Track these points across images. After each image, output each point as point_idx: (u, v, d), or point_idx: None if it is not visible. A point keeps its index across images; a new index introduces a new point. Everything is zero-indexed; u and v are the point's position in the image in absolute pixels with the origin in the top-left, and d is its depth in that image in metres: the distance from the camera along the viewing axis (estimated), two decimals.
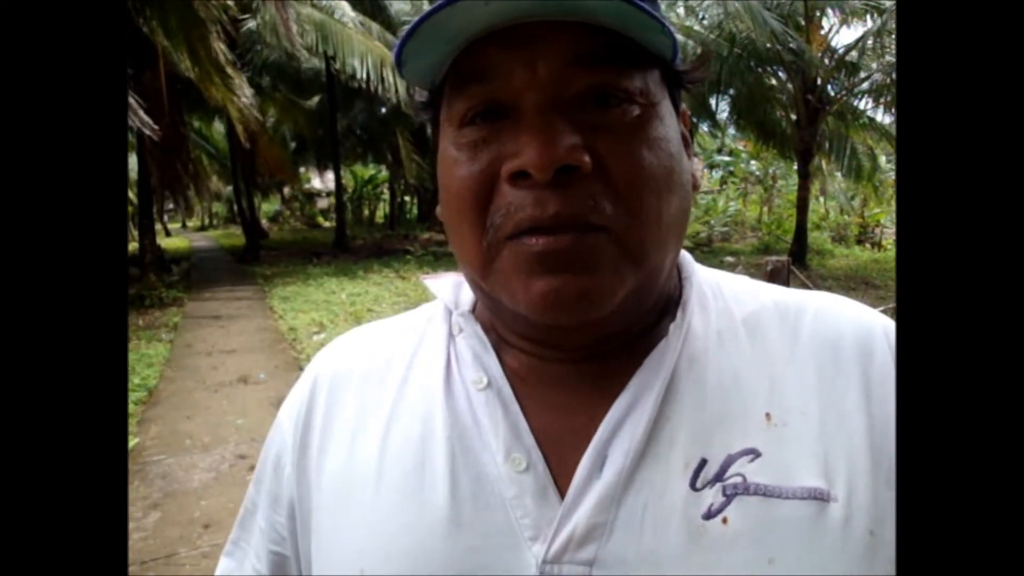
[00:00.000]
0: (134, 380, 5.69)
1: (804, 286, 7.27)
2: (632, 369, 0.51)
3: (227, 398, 5.33)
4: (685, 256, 0.59)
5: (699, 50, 11.06)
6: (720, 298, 0.56)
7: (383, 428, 0.55)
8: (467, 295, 0.60)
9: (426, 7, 0.49)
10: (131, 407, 5.04)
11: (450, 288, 0.62)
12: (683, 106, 0.55)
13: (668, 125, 0.49)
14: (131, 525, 3.31)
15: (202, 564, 2.97)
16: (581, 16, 0.44)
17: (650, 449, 0.48)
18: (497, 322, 0.56)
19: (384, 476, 0.53)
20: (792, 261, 7.57)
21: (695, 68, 0.53)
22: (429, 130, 0.55)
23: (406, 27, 0.45)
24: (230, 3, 8.72)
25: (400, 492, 0.52)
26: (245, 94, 9.31)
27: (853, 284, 10.18)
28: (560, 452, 0.50)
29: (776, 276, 5.74)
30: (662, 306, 0.55)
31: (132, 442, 4.34)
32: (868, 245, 15.39)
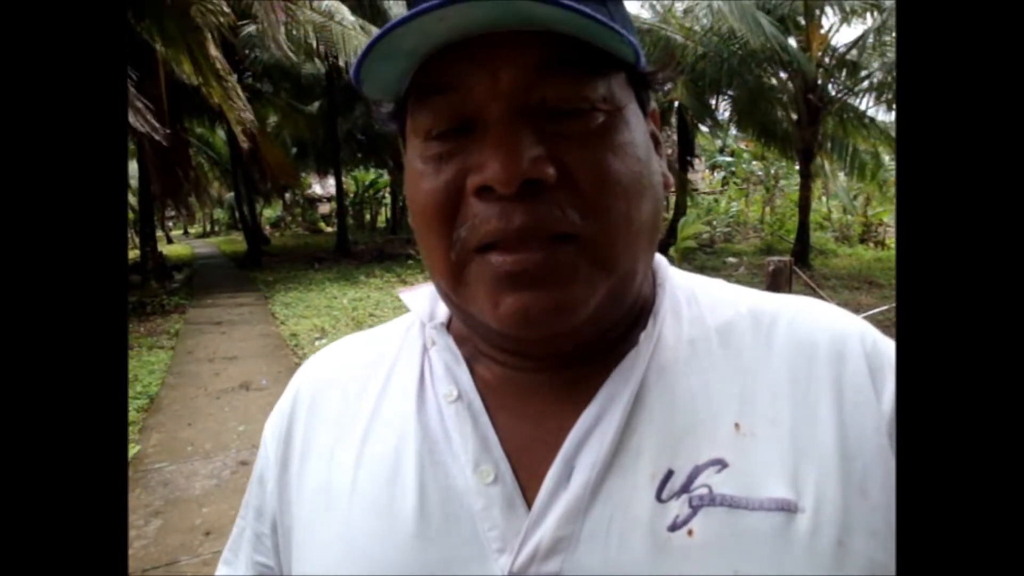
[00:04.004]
0: (136, 387, 5.70)
1: (807, 286, 7.26)
2: (602, 379, 0.51)
3: (229, 405, 5.33)
4: (660, 261, 0.59)
5: (698, 50, 11.10)
6: (695, 306, 0.56)
7: (359, 442, 0.56)
8: (443, 307, 0.60)
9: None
10: (132, 414, 5.05)
11: (426, 300, 0.62)
12: (652, 105, 0.55)
13: (634, 129, 0.49)
14: (132, 533, 3.31)
15: (203, 571, 2.97)
16: (538, 26, 0.43)
17: (617, 460, 0.48)
18: (471, 333, 0.55)
19: (357, 490, 0.53)
20: (795, 261, 7.56)
21: (660, 69, 0.52)
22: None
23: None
24: (226, 9, 8.73)
25: (372, 506, 0.52)
26: (239, 95, 9.34)
27: (856, 283, 10.18)
28: (530, 463, 0.50)
29: (778, 276, 5.72)
30: (635, 314, 0.54)
31: (134, 449, 4.34)
32: (871, 244, 15.42)
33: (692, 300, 0.56)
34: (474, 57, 0.44)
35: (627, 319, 0.53)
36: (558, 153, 0.44)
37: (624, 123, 0.48)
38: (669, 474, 0.47)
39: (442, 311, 0.60)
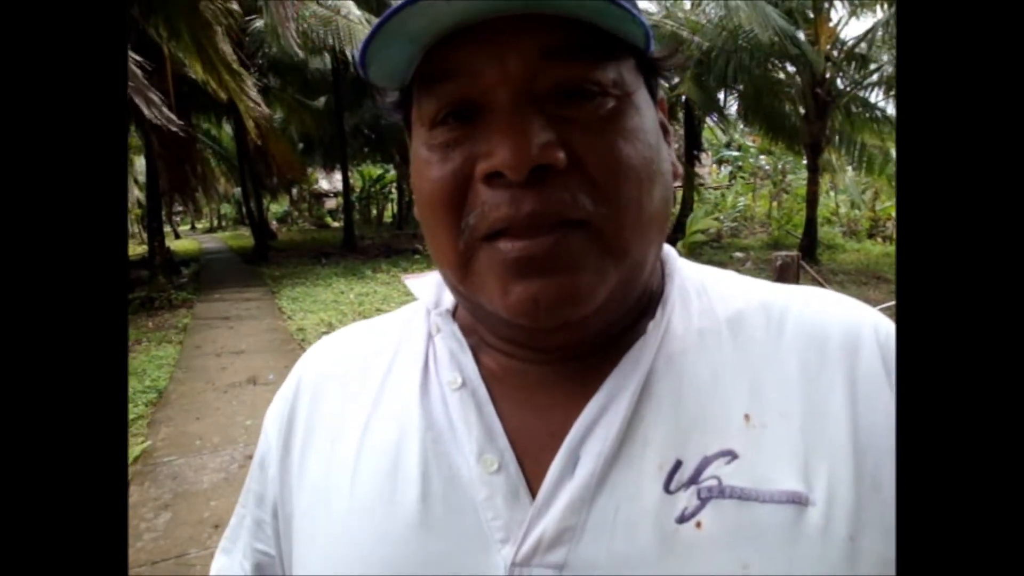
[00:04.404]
0: (144, 382, 5.74)
1: (815, 281, 7.23)
2: (610, 369, 0.50)
3: (236, 399, 5.35)
4: (669, 252, 0.58)
5: (704, 45, 11.03)
6: (704, 296, 0.55)
7: (361, 430, 0.55)
8: (449, 294, 0.60)
9: None
10: (141, 409, 5.08)
11: (432, 287, 0.61)
12: (661, 93, 0.54)
13: (644, 115, 0.48)
14: (142, 525, 3.33)
15: (212, 564, 2.98)
16: (549, 9, 0.42)
17: (624, 450, 0.47)
18: (478, 323, 0.55)
19: (359, 479, 0.53)
20: (802, 256, 7.52)
21: (669, 55, 0.51)
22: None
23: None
24: (234, 6, 8.73)
25: (374, 495, 0.51)
26: (251, 89, 9.35)
27: (864, 278, 10.12)
28: (535, 454, 0.49)
29: (786, 271, 5.69)
30: (644, 304, 0.53)
31: (143, 444, 4.37)
32: (879, 239, 15.31)
33: (702, 291, 0.55)
34: (481, 42, 0.44)
35: (636, 309, 0.53)
36: (568, 138, 0.44)
37: (634, 108, 0.47)
38: (677, 465, 0.46)
39: (448, 298, 0.59)
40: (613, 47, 0.46)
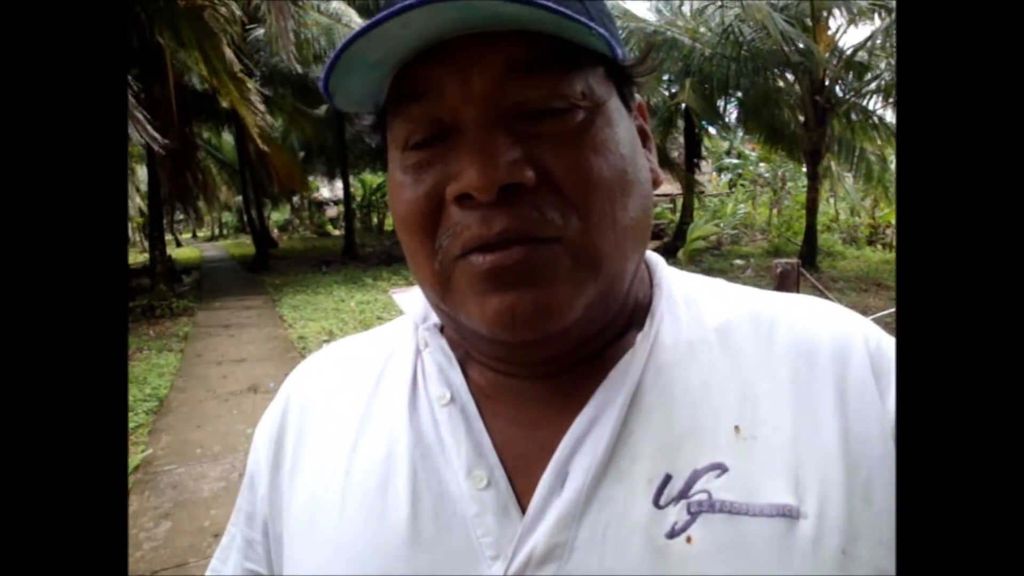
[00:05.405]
0: (145, 390, 5.73)
1: (815, 288, 7.22)
2: (598, 382, 0.49)
3: (237, 407, 5.35)
4: (657, 262, 0.57)
5: (706, 52, 11.06)
6: (693, 306, 0.55)
7: (350, 447, 0.55)
8: None
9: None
10: (142, 417, 5.08)
11: (419, 302, 0.60)
12: (638, 98, 0.54)
13: (617, 125, 0.47)
14: (142, 535, 3.32)
15: None
16: (507, 26, 0.42)
17: (613, 465, 0.47)
18: (462, 339, 0.55)
19: (349, 497, 0.52)
20: (802, 263, 7.52)
21: (639, 62, 0.51)
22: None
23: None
24: (238, 12, 8.77)
25: (364, 513, 0.51)
26: (258, 102, 9.37)
27: (864, 285, 10.12)
28: (525, 468, 0.49)
29: (786, 278, 5.70)
30: (630, 315, 0.53)
31: (143, 452, 4.36)
32: (879, 246, 15.32)
33: (691, 301, 0.55)
34: (446, 62, 0.43)
35: (620, 320, 0.52)
36: (536, 154, 0.43)
37: (605, 119, 0.46)
38: (667, 479, 0.46)
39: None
40: (579, 58, 0.45)
